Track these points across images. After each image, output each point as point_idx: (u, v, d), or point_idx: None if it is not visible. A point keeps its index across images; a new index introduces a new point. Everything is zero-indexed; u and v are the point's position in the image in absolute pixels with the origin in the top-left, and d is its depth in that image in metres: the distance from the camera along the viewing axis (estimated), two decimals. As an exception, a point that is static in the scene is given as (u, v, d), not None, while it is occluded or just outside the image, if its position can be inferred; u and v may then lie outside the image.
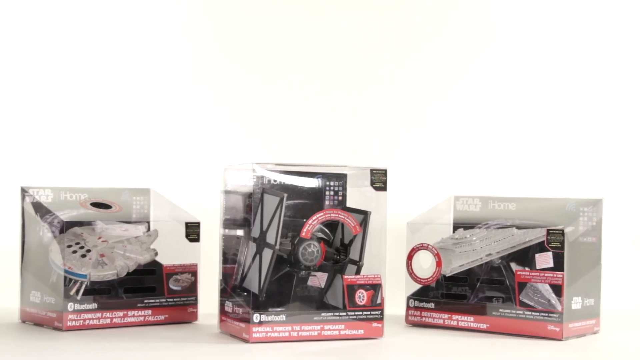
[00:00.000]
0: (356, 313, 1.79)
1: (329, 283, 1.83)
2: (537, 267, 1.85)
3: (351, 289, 1.80)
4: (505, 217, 1.97)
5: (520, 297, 1.86)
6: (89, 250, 1.90)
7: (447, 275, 1.96)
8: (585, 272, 1.89)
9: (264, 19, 2.34)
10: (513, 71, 2.35)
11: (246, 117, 2.33)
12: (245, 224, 1.82)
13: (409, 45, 2.36)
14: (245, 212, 1.81)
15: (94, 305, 1.88)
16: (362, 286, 1.80)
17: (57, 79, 2.26)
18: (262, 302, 1.76)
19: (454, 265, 1.95)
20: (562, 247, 1.83)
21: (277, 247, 1.76)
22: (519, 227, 1.91)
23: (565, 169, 2.33)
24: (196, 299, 2.00)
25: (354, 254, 1.84)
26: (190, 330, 1.91)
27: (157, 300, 1.95)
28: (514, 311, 1.86)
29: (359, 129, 2.34)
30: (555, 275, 1.83)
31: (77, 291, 1.87)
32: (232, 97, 2.33)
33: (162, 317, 1.95)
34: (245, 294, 1.78)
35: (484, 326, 1.90)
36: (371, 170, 1.85)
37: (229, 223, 1.86)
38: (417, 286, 1.98)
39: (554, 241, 1.84)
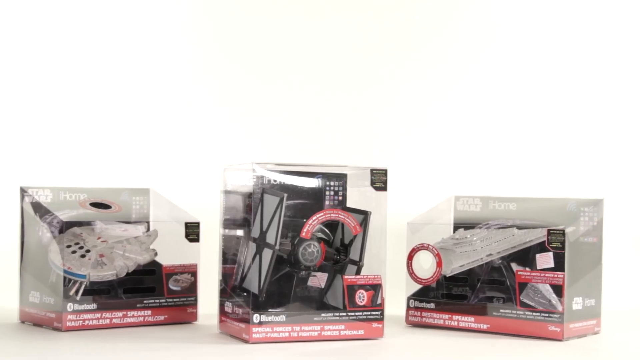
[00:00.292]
0: (356, 313, 1.79)
1: (329, 283, 1.83)
2: (538, 268, 1.85)
3: (351, 289, 1.79)
4: (506, 217, 1.96)
5: (521, 298, 1.86)
6: (88, 251, 1.90)
7: (447, 276, 1.95)
8: (586, 272, 1.89)
9: (264, 19, 2.34)
10: (513, 71, 2.35)
11: (246, 117, 2.33)
12: (245, 224, 1.81)
13: (409, 45, 2.36)
14: (245, 212, 1.81)
15: (94, 306, 1.87)
16: (362, 286, 1.80)
17: (56, 79, 2.26)
18: (262, 302, 1.75)
19: (455, 266, 1.94)
20: (563, 247, 1.83)
21: (277, 247, 1.75)
22: (519, 227, 1.90)
23: (566, 169, 2.33)
24: (196, 300, 1.99)
25: (354, 254, 1.84)
26: (190, 330, 1.90)
27: (157, 301, 1.95)
28: (514, 311, 1.86)
29: (359, 129, 2.34)
30: (556, 276, 1.83)
31: (77, 291, 1.87)
32: (232, 97, 2.33)
33: (161, 318, 1.95)
34: (245, 294, 1.78)
35: (484, 327, 1.89)
36: (371, 170, 1.84)
37: (228, 223, 1.86)
38: (418, 286, 1.97)
39: (555, 241, 1.83)
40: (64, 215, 1.89)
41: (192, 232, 1.99)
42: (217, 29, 2.33)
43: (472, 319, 1.90)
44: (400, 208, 2.05)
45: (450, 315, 1.93)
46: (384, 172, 1.85)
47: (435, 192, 2.19)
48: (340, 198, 1.87)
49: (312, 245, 1.80)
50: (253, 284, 1.77)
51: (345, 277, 1.80)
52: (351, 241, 1.84)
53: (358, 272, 1.83)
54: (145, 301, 1.93)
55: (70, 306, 1.85)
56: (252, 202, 1.78)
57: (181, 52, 2.32)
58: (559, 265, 1.83)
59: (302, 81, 2.35)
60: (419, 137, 2.35)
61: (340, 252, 1.84)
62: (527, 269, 1.87)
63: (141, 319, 1.93)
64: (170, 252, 1.98)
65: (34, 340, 1.77)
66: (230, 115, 2.33)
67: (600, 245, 1.93)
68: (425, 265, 1.97)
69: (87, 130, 2.26)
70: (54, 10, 2.25)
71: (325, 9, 2.36)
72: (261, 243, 1.77)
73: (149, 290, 1.95)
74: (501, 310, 1.87)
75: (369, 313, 1.79)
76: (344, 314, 1.78)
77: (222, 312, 1.84)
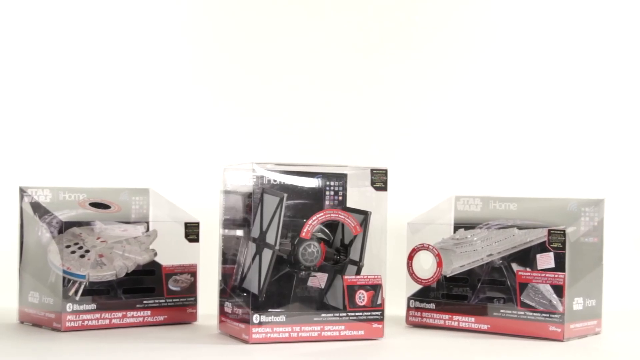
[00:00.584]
0: (356, 314, 1.79)
1: (329, 283, 1.83)
2: (539, 268, 1.85)
3: (351, 289, 1.79)
4: (507, 217, 1.96)
5: (522, 298, 1.85)
6: (87, 251, 1.90)
7: (447, 276, 1.95)
8: (586, 272, 1.89)
9: (264, 19, 2.34)
10: (513, 71, 2.35)
11: (246, 117, 2.33)
12: (245, 224, 1.81)
13: (409, 45, 2.36)
14: (245, 212, 1.81)
15: (93, 306, 1.87)
16: (362, 287, 1.79)
17: (56, 79, 2.25)
18: (262, 302, 1.75)
19: (455, 266, 1.94)
20: (564, 248, 1.82)
21: (277, 247, 1.75)
22: (520, 228, 1.90)
23: (567, 169, 2.33)
24: (195, 300, 1.99)
25: (354, 255, 1.83)
26: (190, 331, 1.90)
27: (156, 301, 1.94)
28: (515, 312, 1.85)
29: (359, 129, 2.34)
30: (556, 276, 1.82)
31: (76, 292, 1.86)
32: (232, 97, 2.33)
33: (161, 318, 1.95)
34: (244, 294, 1.78)
35: (484, 327, 1.89)
36: (371, 170, 1.84)
37: (228, 223, 1.85)
38: (418, 287, 1.97)
39: (555, 241, 1.83)
40: (64, 216, 1.89)
41: (191, 232, 1.99)
42: (217, 29, 2.33)
43: (472, 319, 1.90)
44: (401, 208, 2.05)
45: (450, 316, 1.93)
46: (384, 172, 1.84)
47: (435, 192, 2.19)
48: (340, 198, 1.86)
49: (312, 246, 1.80)
50: (253, 284, 1.76)
51: (346, 277, 1.80)
52: (351, 241, 1.84)
53: (358, 273, 1.82)
54: (144, 301, 1.93)
55: (69, 306, 1.85)
56: (252, 202, 1.78)
57: (181, 52, 2.32)
58: (560, 266, 1.83)
59: (302, 81, 2.34)
60: (419, 137, 2.35)
61: (340, 252, 1.84)
62: (528, 269, 1.86)
63: (141, 319, 1.92)
64: (170, 252, 1.98)
65: (33, 340, 1.77)
66: (230, 115, 2.32)
67: (601, 245, 1.93)
68: (426, 266, 1.96)
69: (87, 130, 2.26)
70: (53, 10, 2.25)
71: (325, 9, 2.36)
72: (261, 243, 1.77)
73: (148, 290, 1.95)
74: (502, 311, 1.87)
75: (369, 313, 1.79)
76: (344, 314, 1.78)
77: (222, 312, 1.84)
